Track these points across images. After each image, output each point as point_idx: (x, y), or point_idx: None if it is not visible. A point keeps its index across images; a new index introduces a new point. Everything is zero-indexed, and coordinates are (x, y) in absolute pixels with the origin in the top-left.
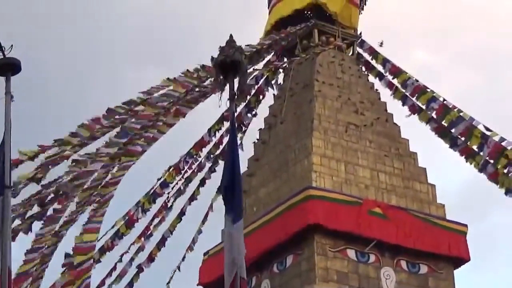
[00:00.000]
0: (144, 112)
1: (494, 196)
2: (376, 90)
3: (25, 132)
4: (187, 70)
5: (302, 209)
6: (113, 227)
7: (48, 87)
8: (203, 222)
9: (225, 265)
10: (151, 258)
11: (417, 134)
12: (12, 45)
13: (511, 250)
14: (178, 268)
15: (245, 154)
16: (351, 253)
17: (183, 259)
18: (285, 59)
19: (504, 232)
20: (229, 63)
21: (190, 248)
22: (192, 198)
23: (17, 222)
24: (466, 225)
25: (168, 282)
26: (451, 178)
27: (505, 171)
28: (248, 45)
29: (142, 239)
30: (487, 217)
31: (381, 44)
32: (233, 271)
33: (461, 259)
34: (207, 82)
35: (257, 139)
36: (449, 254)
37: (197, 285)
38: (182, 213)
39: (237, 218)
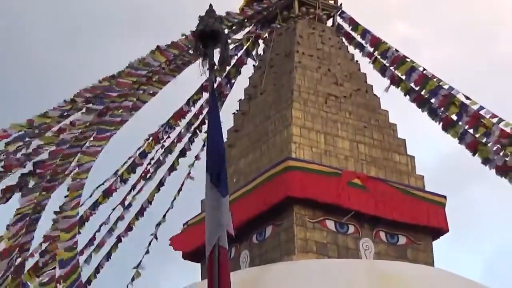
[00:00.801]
0: (122, 80)
1: (474, 168)
2: (356, 61)
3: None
4: (172, 41)
5: (282, 180)
6: (90, 196)
7: (34, 58)
8: (179, 191)
9: (206, 235)
10: (129, 228)
11: (397, 105)
12: None
13: (489, 222)
14: (155, 236)
15: (225, 125)
16: (330, 224)
17: (158, 225)
18: (266, 30)
19: (482, 205)
20: (209, 33)
21: (165, 215)
22: (172, 168)
23: None
24: (445, 196)
25: (147, 251)
26: (430, 149)
27: (484, 140)
28: (228, 14)
29: (121, 209)
30: (466, 189)
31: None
32: (214, 240)
33: (439, 230)
34: (189, 52)
35: (237, 110)
36: (428, 225)
37: (174, 249)
38: (161, 183)
39: (223, 187)
